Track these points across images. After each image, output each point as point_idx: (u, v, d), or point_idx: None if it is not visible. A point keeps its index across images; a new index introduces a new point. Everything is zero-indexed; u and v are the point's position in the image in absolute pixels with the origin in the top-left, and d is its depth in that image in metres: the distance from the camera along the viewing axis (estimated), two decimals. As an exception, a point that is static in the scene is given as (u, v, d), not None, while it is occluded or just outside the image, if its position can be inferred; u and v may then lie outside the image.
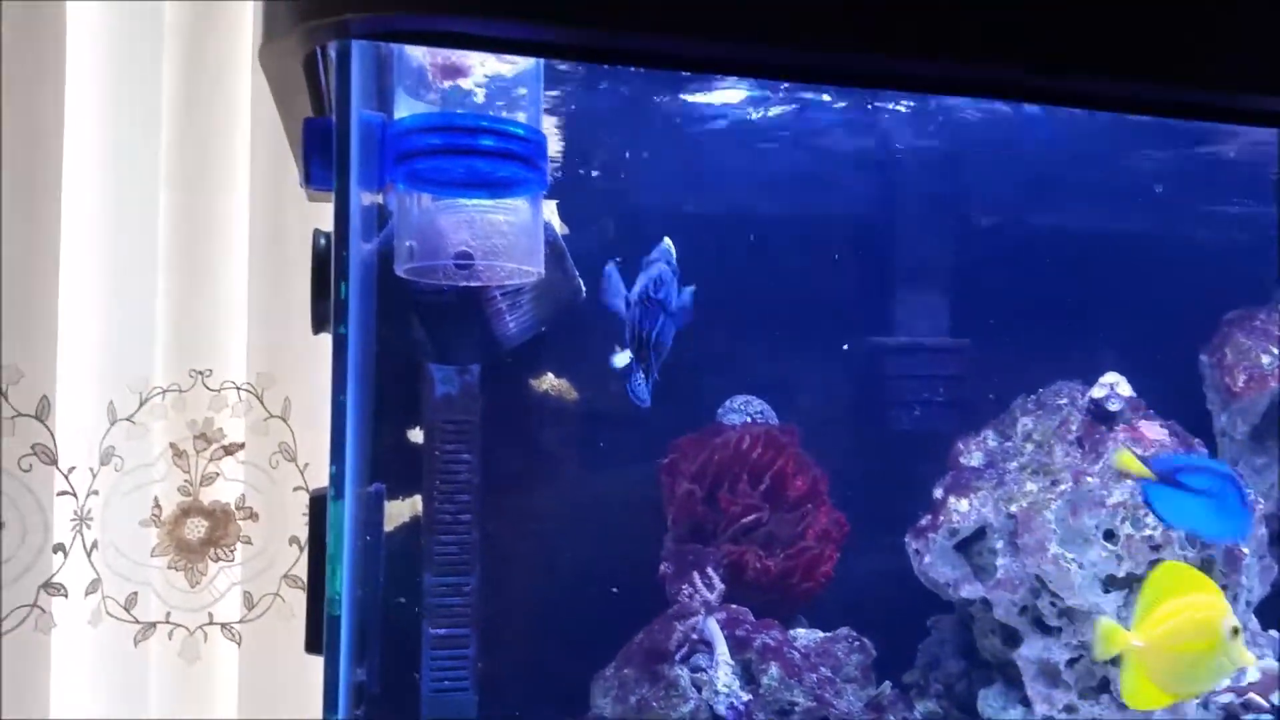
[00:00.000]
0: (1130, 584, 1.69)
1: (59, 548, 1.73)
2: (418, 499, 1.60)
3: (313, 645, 0.98)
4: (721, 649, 1.65)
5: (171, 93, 1.79)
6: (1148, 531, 1.67)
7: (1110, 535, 1.68)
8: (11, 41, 1.68)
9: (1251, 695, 1.66)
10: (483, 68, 1.17)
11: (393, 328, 1.50)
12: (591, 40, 0.90)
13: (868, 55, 0.92)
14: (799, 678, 1.64)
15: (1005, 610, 1.73)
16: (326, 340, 0.99)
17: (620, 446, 1.84)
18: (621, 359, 1.54)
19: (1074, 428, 1.80)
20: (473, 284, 1.34)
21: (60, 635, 1.72)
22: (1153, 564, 1.67)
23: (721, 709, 1.59)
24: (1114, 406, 1.79)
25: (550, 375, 1.78)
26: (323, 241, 1.04)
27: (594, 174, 1.88)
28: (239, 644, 1.80)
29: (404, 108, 1.16)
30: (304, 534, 1.77)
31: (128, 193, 1.79)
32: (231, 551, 1.81)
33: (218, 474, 1.81)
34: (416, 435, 1.62)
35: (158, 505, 1.79)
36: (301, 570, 1.81)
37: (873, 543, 1.87)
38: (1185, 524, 1.58)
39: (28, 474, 1.70)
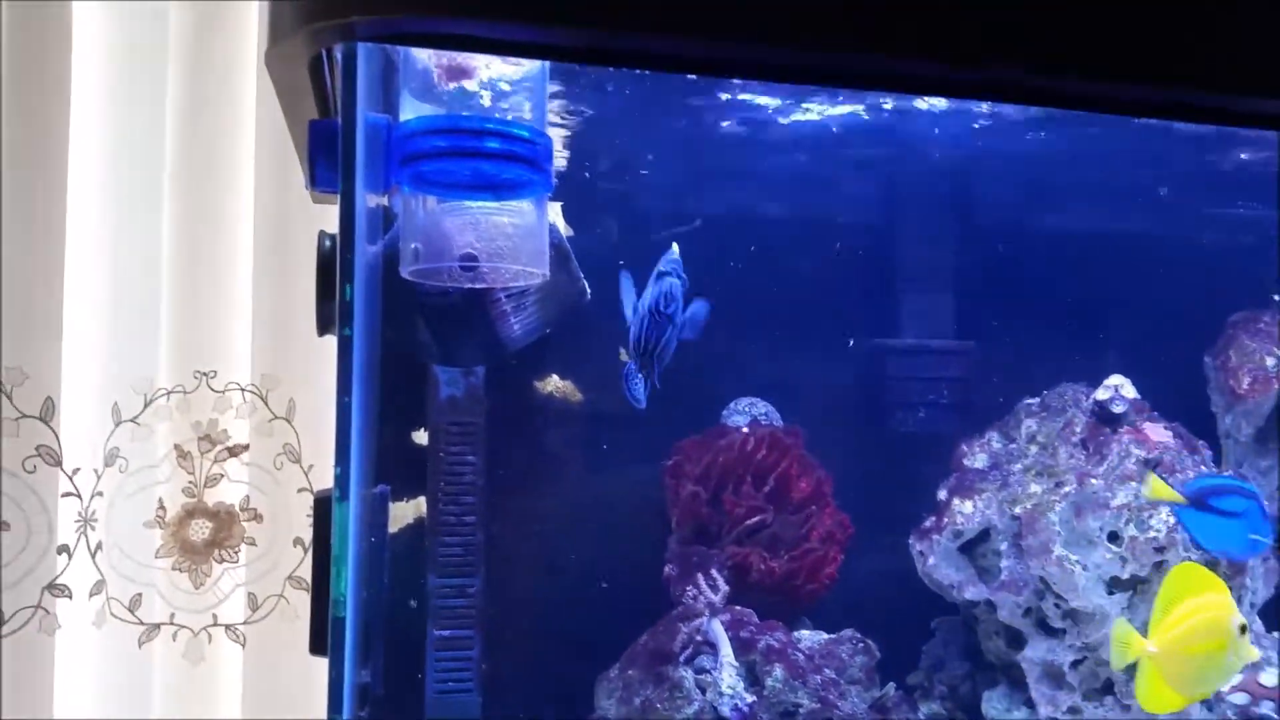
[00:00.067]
0: (1135, 585, 1.69)
1: (63, 549, 1.73)
2: (422, 500, 1.60)
3: (316, 646, 0.98)
4: (726, 650, 1.65)
5: (176, 95, 1.79)
6: (1152, 533, 1.67)
7: (1114, 537, 1.68)
8: (17, 43, 1.68)
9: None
10: (488, 70, 1.17)
11: (397, 329, 1.50)
12: (595, 42, 0.90)
13: (868, 56, 0.92)
14: (803, 679, 1.64)
15: (1009, 612, 1.73)
16: (331, 342, 1.00)
17: (624, 448, 1.84)
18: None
19: (1078, 430, 1.80)
20: (477, 286, 1.34)
21: (64, 636, 1.73)
22: (1157, 565, 1.67)
23: (726, 710, 1.59)
24: (1118, 408, 1.79)
25: (555, 377, 1.78)
26: (328, 243, 1.04)
27: (599, 176, 1.88)
28: (243, 645, 1.81)
29: (409, 110, 1.16)
30: (308, 535, 1.76)
31: (132, 194, 1.79)
32: (236, 553, 1.81)
33: (222, 475, 1.81)
34: (421, 437, 1.62)
35: (162, 507, 1.79)
36: (305, 572, 1.81)
37: (877, 544, 1.87)
38: (1218, 546, 1.60)
39: (32, 475, 1.71)
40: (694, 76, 1.60)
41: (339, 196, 0.98)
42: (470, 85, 1.17)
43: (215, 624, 1.81)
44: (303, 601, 1.79)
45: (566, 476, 1.83)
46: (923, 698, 1.84)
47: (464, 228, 1.21)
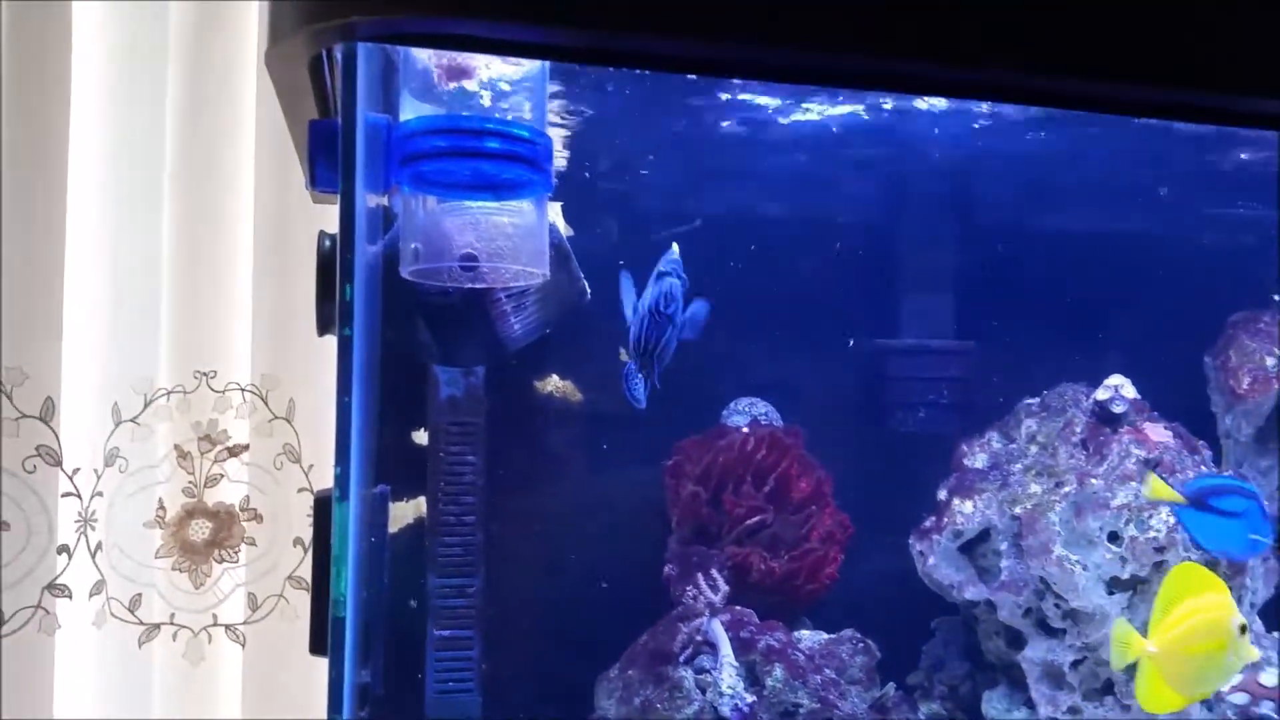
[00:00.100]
0: (1135, 585, 1.69)
1: (63, 549, 1.73)
2: (422, 500, 1.60)
3: (316, 646, 0.98)
4: (726, 651, 1.65)
5: (176, 95, 1.79)
6: (1152, 533, 1.67)
7: (1114, 537, 1.68)
8: (17, 43, 1.68)
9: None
10: (488, 70, 1.17)
11: (398, 330, 1.50)
12: (595, 42, 0.90)
13: (868, 56, 0.92)
14: (803, 679, 1.64)
15: (1009, 612, 1.73)
16: (331, 342, 1.00)
17: (624, 448, 1.84)
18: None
19: (1078, 430, 1.80)
20: (478, 286, 1.34)
21: (64, 637, 1.73)
22: (1157, 565, 1.67)
23: (726, 710, 1.59)
24: (1118, 408, 1.79)
25: (555, 377, 1.78)
26: (328, 243, 1.04)
27: (599, 176, 1.88)
28: (243, 645, 1.81)
29: (409, 110, 1.16)
30: (308, 535, 1.77)
31: (132, 194, 1.79)
32: (236, 553, 1.81)
33: (222, 475, 1.81)
34: (421, 437, 1.62)
35: (162, 507, 1.79)
36: (305, 572, 1.81)
37: (877, 544, 1.87)
38: (1217, 546, 1.60)
39: (32, 475, 1.71)
40: (694, 76, 1.60)
41: (339, 196, 0.98)
42: (470, 85, 1.17)
43: (215, 624, 1.81)
44: (303, 601, 1.79)
45: (567, 476, 1.83)
46: (923, 698, 1.84)
47: (464, 228, 1.21)
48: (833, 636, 1.79)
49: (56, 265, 1.71)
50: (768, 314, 1.91)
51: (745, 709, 1.60)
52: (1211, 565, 1.69)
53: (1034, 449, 1.83)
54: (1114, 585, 1.68)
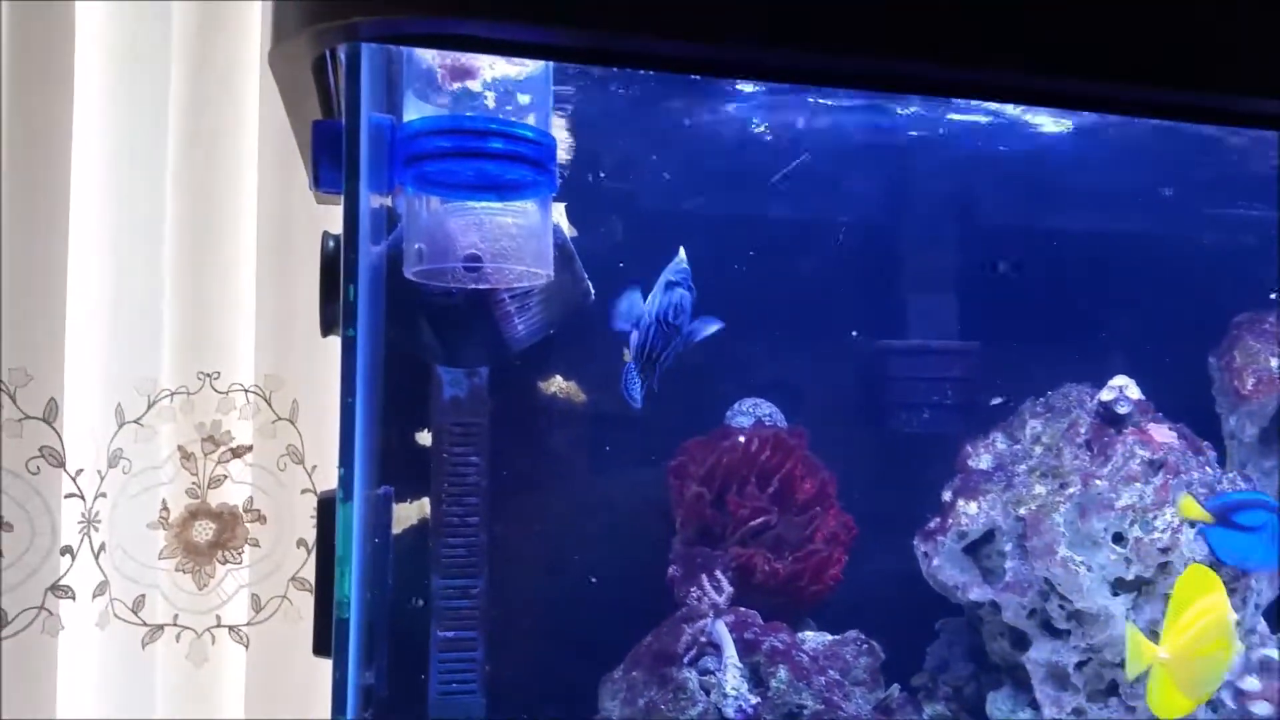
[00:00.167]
0: (1139, 587, 1.68)
1: (66, 550, 1.73)
2: (426, 502, 1.60)
3: (320, 648, 0.98)
4: (730, 652, 1.64)
5: (179, 94, 1.79)
6: (1156, 534, 1.66)
7: (1119, 538, 1.68)
8: (19, 42, 1.68)
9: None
10: (492, 70, 1.17)
11: (401, 330, 1.50)
12: (598, 42, 0.90)
13: (869, 57, 0.92)
14: (807, 680, 1.64)
15: (1014, 613, 1.73)
16: (335, 343, 1.00)
17: (628, 449, 1.84)
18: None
19: (1083, 430, 1.80)
20: (481, 286, 1.33)
21: (67, 638, 1.73)
22: (1162, 566, 1.66)
23: (730, 712, 1.59)
24: (1123, 409, 1.79)
25: (559, 378, 1.78)
26: (331, 244, 1.04)
27: (604, 175, 1.87)
28: (246, 646, 1.81)
29: (413, 110, 1.16)
30: (312, 536, 1.77)
31: (135, 195, 1.79)
32: (239, 554, 1.81)
33: (225, 476, 1.81)
34: (425, 438, 1.61)
35: (165, 508, 1.79)
36: (309, 573, 1.81)
37: (881, 545, 1.87)
38: (1241, 562, 1.61)
39: (35, 476, 1.71)
40: (697, 77, 1.60)
41: (342, 197, 0.98)
42: (474, 85, 1.17)
43: (218, 625, 1.81)
44: (306, 603, 1.80)
45: (570, 477, 1.83)
46: (927, 699, 1.83)
47: (468, 228, 1.21)
48: (837, 638, 1.78)
49: (59, 266, 1.71)
50: (772, 315, 1.90)
51: (749, 710, 1.60)
52: (1215, 565, 1.69)
53: (1038, 450, 1.83)
54: (1119, 586, 1.68)
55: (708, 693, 1.61)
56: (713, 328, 1.58)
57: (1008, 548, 1.74)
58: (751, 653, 1.67)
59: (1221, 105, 1.02)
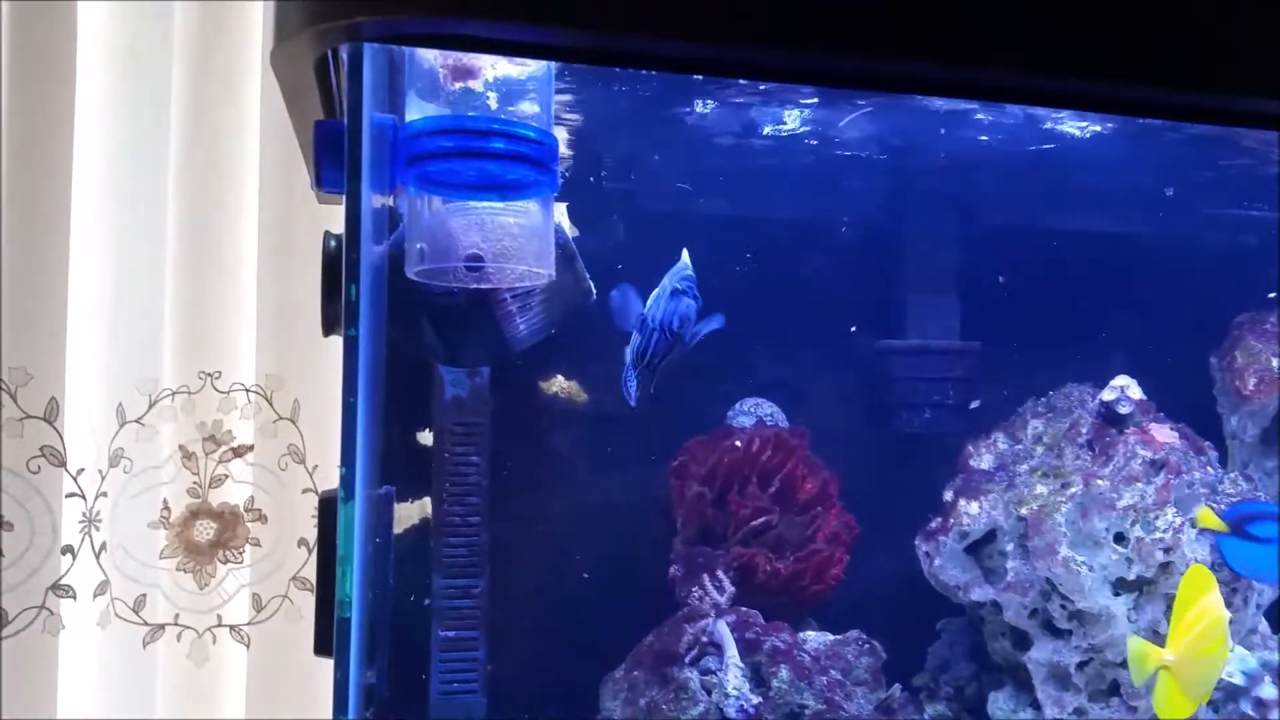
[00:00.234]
0: (1141, 587, 1.68)
1: (67, 549, 1.73)
2: (427, 501, 1.60)
3: (321, 647, 0.98)
4: (731, 651, 1.64)
5: (181, 95, 1.79)
6: (1158, 534, 1.66)
7: (1121, 538, 1.68)
8: (21, 43, 1.68)
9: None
10: (493, 70, 1.17)
11: (403, 330, 1.50)
12: (600, 43, 0.90)
13: (869, 57, 0.92)
14: (809, 680, 1.64)
15: (1015, 613, 1.73)
16: (336, 342, 1.00)
17: (629, 449, 1.84)
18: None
19: (1084, 430, 1.79)
20: (483, 286, 1.34)
21: (68, 637, 1.73)
22: (1163, 566, 1.66)
23: (731, 712, 1.59)
24: (1124, 409, 1.79)
25: (560, 378, 1.78)
26: (333, 244, 1.04)
27: (606, 176, 1.88)
28: (247, 646, 1.81)
29: (415, 110, 1.16)
30: (313, 536, 1.77)
31: (137, 194, 1.79)
32: (240, 553, 1.81)
33: (227, 476, 1.81)
34: (426, 438, 1.61)
35: (166, 507, 1.79)
36: (310, 572, 1.81)
37: (883, 545, 1.87)
38: (1255, 573, 1.63)
39: (36, 476, 1.71)
40: (698, 77, 1.59)
41: (344, 197, 0.98)
42: (476, 85, 1.17)
43: (220, 625, 1.81)
44: (307, 602, 1.80)
45: (571, 477, 1.83)
46: (928, 699, 1.84)
47: (469, 228, 1.21)
48: (838, 638, 1.78)
49: (61, 265, 1.71)
50: (773, 315, 1.90)
51: (751, 710, 1.60)
52: (1217, 567, 1.68)
53: (1040, 450, 1.82)
54: (1120, 586, 1.68)
55: (709, 692, 1.62)
56: (713, 325, 1.58)
57: (1009, 547, 1.74)
58: (753, 652, 1.67)
59: (1221, 105, 1.02)
